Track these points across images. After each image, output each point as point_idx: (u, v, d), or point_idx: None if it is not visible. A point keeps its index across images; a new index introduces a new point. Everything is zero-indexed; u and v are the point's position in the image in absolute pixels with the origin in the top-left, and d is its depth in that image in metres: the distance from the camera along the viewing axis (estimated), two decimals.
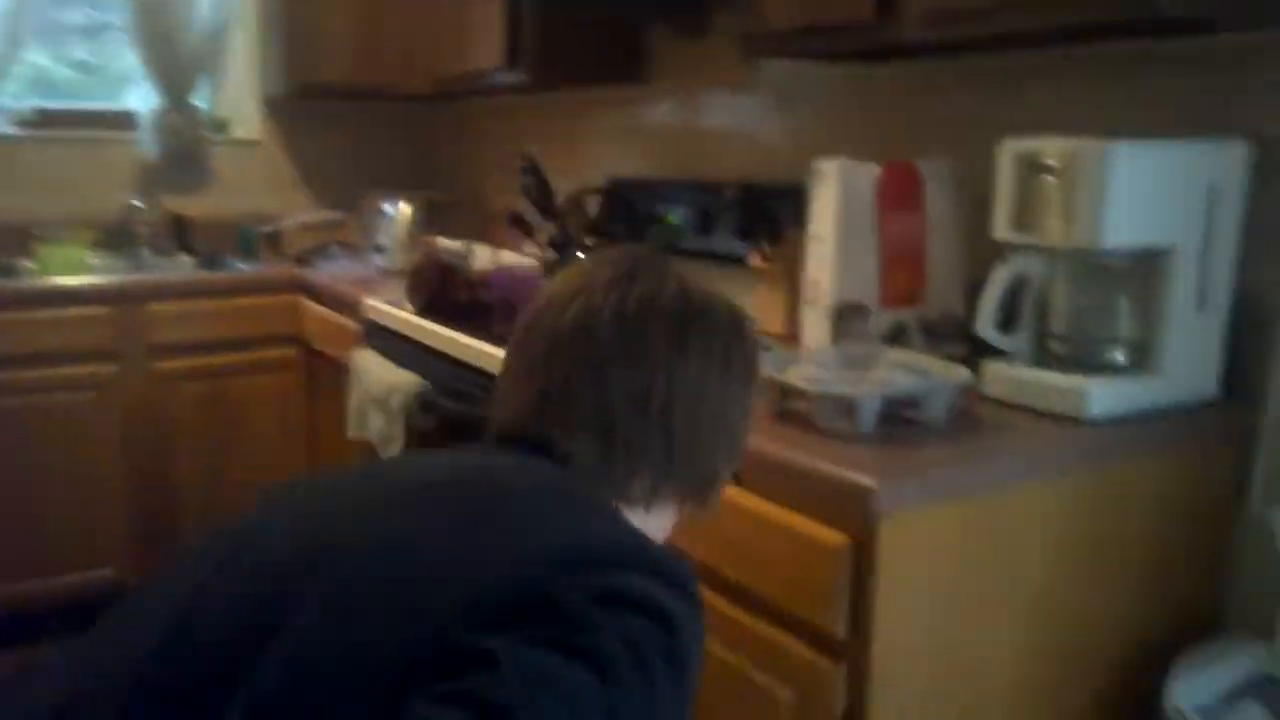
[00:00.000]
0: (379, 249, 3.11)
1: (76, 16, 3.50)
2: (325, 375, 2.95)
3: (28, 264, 3.12)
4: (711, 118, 2.57)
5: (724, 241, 2.34)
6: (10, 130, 3.32)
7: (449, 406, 2.15)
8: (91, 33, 3.54)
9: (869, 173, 1.75)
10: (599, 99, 2.93)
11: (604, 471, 0.91)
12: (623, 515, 0.89)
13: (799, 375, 1.49)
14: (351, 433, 2.50)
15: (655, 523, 0.95)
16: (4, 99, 3.29)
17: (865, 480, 1.23)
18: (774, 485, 1.34)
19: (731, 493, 1.38)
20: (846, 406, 1.39)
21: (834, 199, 1.74)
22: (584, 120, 3.04)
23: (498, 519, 0.80)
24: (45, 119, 3.37)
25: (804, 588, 1.30)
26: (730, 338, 0.96)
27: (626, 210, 2.71)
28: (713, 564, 1.40)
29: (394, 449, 2.28)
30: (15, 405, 2.81)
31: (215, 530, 0.90)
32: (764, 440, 1.36)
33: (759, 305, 2.07)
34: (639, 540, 0.84)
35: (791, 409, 1.47)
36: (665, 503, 0.95)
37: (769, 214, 2.18)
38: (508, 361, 0.99)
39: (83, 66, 3.57)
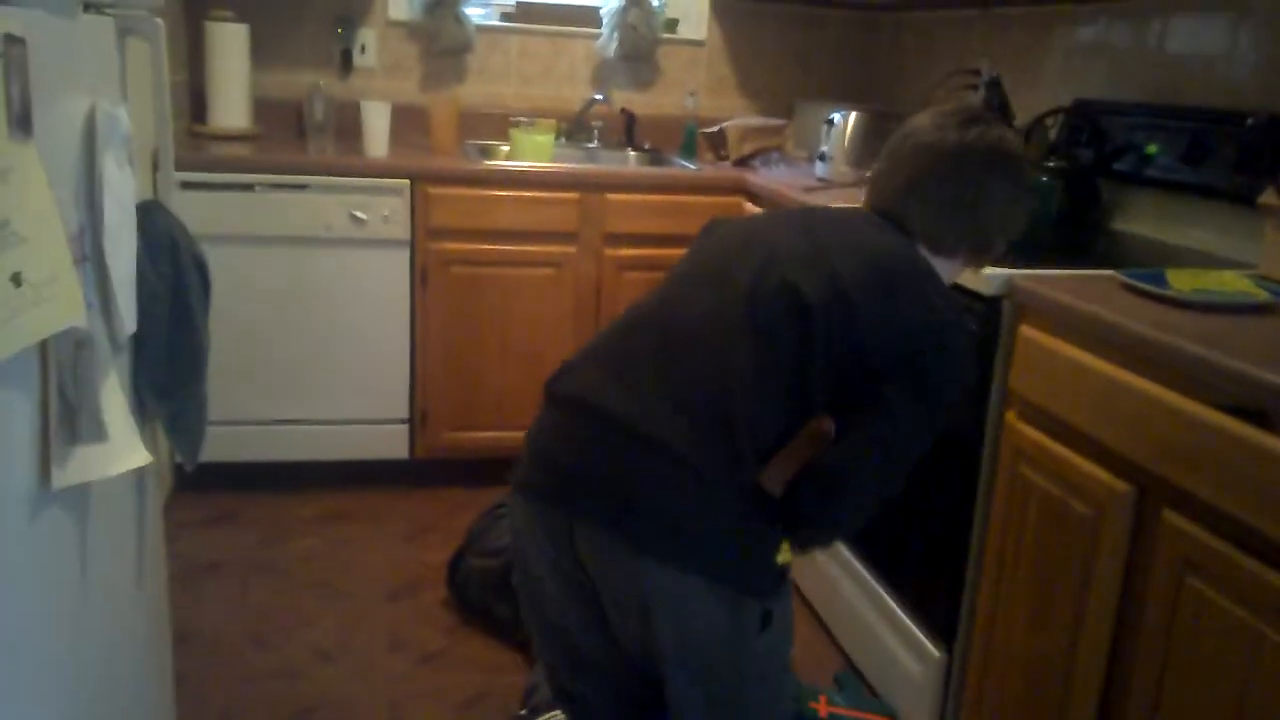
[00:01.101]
0: (821, 157, 3.14)
1: None
2: None
3: (502, 147, 3.44)
4: (1196, 40, 2.37)
5: (1220, 175, 2.17)
6: (495, 22, 3.64)
7: None
8: None
9: None
10: (1063, 13, 2.79)
11: (936, 238, 1.55)
12: (941, 282, 1.51)
13: None
14: None
15: (954, 266, 1.60)
16: None
17: None
18: None
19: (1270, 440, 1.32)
20: None
21: None
22: (1045, 36, 2.90)
23: (901, 296, 1.42)
24: (522, 12, 3.66)
25: None
26: (1023, 172, 1.57)
27: (1093, 134, 2.58)
28: (1255, 521, 1.35)
29: None
30: (485, 275, 3.09)
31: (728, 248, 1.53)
32: None
33: (1268, 246, 1.92)
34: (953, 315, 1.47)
35: None
36: (960, 256, 1.59)
37: None
38: (884, 161, 1.60)
39: None
